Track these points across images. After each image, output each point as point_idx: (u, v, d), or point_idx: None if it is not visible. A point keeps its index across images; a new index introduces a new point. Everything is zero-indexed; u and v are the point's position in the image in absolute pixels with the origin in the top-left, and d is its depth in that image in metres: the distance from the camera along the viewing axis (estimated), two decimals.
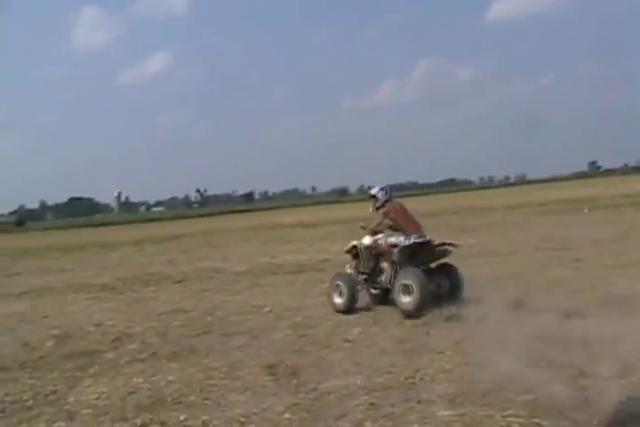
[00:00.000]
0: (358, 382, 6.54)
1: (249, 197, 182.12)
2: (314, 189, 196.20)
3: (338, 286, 10.38)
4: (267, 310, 11.05)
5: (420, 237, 10.02)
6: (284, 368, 7.27)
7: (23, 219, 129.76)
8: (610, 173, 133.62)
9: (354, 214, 48.99)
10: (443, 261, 10.22)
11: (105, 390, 7.02)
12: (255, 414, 5.88)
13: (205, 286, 15.13)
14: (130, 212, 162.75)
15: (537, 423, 5.21)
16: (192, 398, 6.55)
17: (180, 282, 16.33)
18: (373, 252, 10.43)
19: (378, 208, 10.66)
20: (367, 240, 10.53)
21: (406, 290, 9.41)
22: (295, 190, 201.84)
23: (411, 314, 9.25)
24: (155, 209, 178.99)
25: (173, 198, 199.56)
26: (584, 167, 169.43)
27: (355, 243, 10.74)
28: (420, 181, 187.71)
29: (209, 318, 10.78)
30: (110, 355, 8.68)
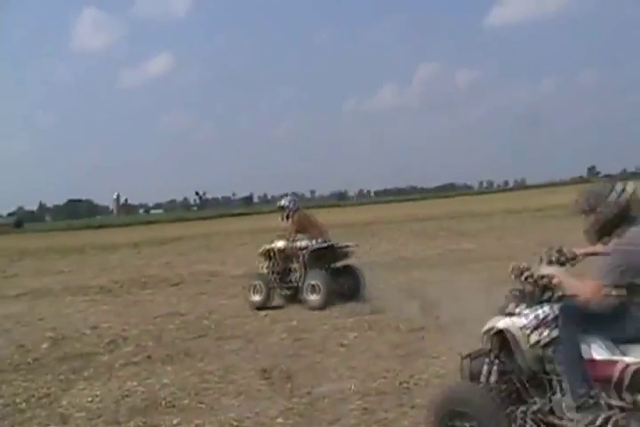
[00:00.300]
0: (352, 386, 6.53)
1: (248, 200, 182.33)
2: (313, 192, 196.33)
3: (254, 285, 11.57)
4: (263, 313, 11.03)
5: (325, 241, 11.52)
6: (278, 372, 7.26)
7: (22, 220, 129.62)
8: (609, 178, 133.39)
9: (352, 218, 49.09)
10: (346, 262, 11.77)
11: (99, 393, 7.00)
12: (248, 418, 5.87)
13: (202, 289, 15.09)
14: (129, 214, 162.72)
15: None
16: (186, 401, 6.54)
17: (176, 285, 16.30)
18: (283, 255, 11.66)
19: (287, 217, 11.89)
20: (279, 244, 11.69)
21: (314, 289, 10.89)
22: (294, 194, 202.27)
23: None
24: (153, 211, 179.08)
25: (172, 201, 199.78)
26: (583, 172, 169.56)
27: (268, 247, 11.88)
28: (420, 186, 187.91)
29: (205, 322, 10.76)
30: (105, 358, 8.67)
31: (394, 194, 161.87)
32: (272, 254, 11.81)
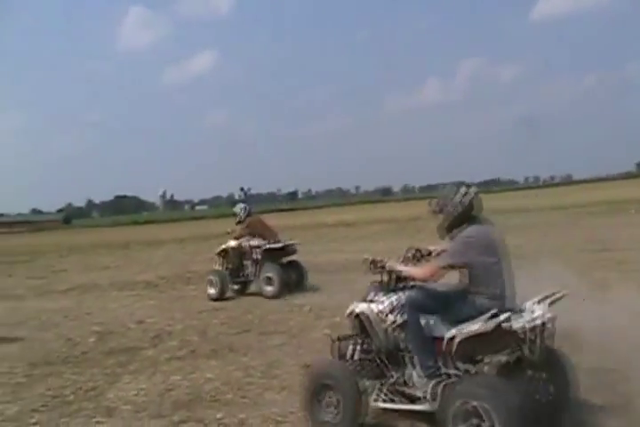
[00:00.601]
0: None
1: (293, 195, 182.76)
2: (357, 188, 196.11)
3: (211, 280, 13.17)
4: (306, 309, 11.06)
5: (276, 242, 13.29)
6: None
7: (70, 216, 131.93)
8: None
9: (397, 214, 48.94)
10: (291, 258, 13.44)
11: (144, 386, 7.11)
12: (291, 413, 5.88)
13: None
14: (174, 210, 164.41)
15: None
16: (229, 396, 6.60)
17: None
18: (237, 253, 13.36)
19: (240, 222, 13.67)
20: (232, 244, 13.44)
21: (269, 281, 12.71)
22: (339, 189, 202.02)
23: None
24: (199, 208, 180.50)
25: (217, 197, 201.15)
26: (631, 167, 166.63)
27: (224, 246, 13.59)
28: (466, 181, 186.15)
29: (248, 317, 10.84)
30: (150, 352, 8.79)
31: (435, 189, 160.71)
32: (227, 253, 13.57)
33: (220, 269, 13.56)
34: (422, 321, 5.00)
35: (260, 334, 9.42)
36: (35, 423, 6.27)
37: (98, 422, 6.16)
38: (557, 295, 5.05)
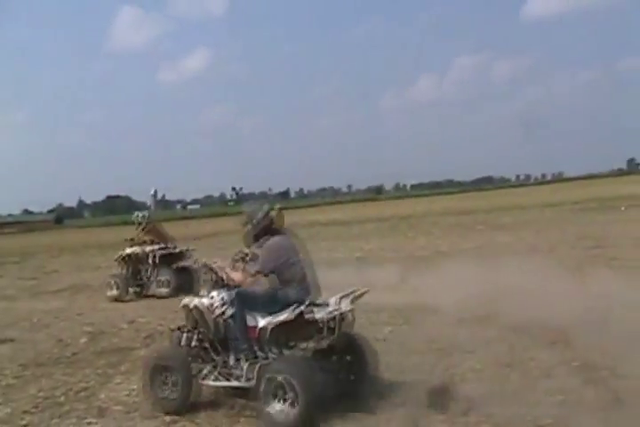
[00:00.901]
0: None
1: (285, 194, 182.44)
2: (349, 187, 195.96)
3: (110, 282, 14.17)
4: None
5: (169, 247, 14.47)
6: None
7: (61, 217, 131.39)
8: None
9: (389, 212, 48.93)
10: (185, 263, 14.46)
11: (135, 387, 7.05)
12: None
13: None
14: (166, 210, 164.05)
15: (568, 424, 5.15)
16: (220, 395, 6.58)
17: None
18: (135, 258, 14.33)
19: (141, 229, 14.61)
20: (129, 250, 14.43)
21: (164, 284, 13.93)
22: (331, 188, 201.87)
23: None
24: (190, 207, 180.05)
25: (209, 196, 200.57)
26: (622, 164, 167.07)
27: (122, 253, 14.54)
28: (457, 179, 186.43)
29: None
30: (142, 352, 8.71)
31: (430, 187, 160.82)
32: (126, 259, 14.51)
33: (120, 272, 14.57)
34: (245, 314, 5.98)
35: None
36: (26, 425, 6.26)
37: (89, 423, 6.15)
38: (359, 292, 5.99)
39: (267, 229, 6.20)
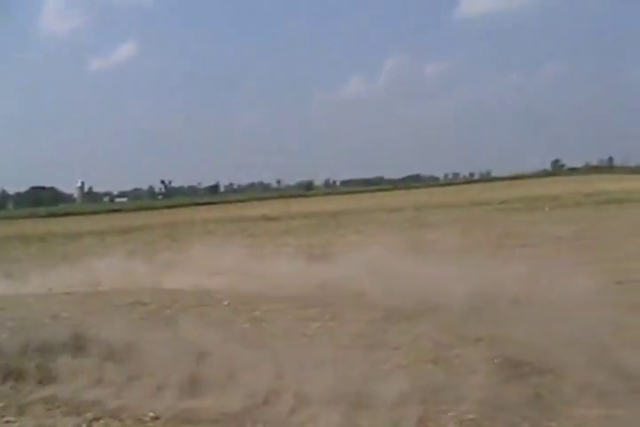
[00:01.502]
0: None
1: (214, 188, 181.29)
2: (279, 182, 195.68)
3: None
4: (225, 303, 10.99)
5: None
6: None
7: None
8: (573, 171, 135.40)
9: (318, 208, 49.06)
10: None
11: None
12: None
13: None
14: (93, 202, 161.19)
15: (491, 420, 5.26)
16: None
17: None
18: None
19: None
20: None
21: None
22: (260, 183, 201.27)
23: None
24: (118, 200, 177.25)
25: (137, 189, 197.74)
26: (548, 165, 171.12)
27: None
28: (387, 176, 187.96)
29: (167, 311, 10.70)
30: None
31: (360, 184, 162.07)
32: None
33: None
34: None
35: None
36: None
37: (7, 422, 6.01)
38: None
39: None
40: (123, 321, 10.10)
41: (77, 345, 7.85)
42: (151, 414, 5.90)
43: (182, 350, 7.36)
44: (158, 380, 6.47)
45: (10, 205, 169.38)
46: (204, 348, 7.39)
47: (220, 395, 6.15)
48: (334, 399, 5.79)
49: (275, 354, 7.51)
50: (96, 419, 5.85)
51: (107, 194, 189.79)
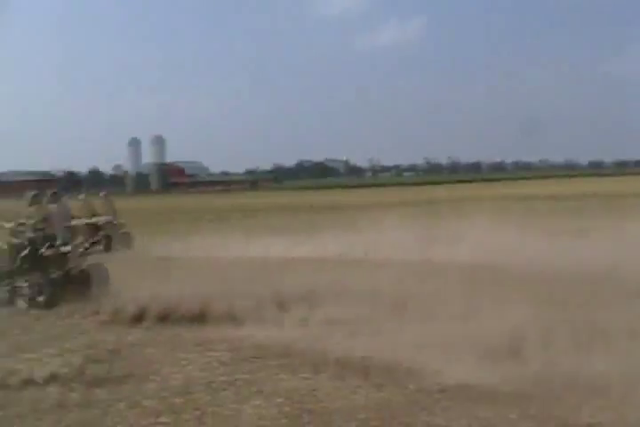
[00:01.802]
0: None
1: (476, 166, 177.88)
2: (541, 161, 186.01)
3: None
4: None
5: None
6: None
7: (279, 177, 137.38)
8: None
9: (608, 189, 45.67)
10: None
11: None
12: None
13: None
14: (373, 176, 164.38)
15: None
16: None
17: None
18: None
19: None
20: None
21: None
22: (526, 163, 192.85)
23: None
24: (406, 174, 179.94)
25: (413, 165, 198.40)
26: None
27: None
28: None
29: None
30: None
31: None
32: None
33: None
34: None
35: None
36: None
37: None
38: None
39: None
40: None
41: None
42: None
43: None
44: None
45: (303, 176, 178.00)
46: None
47: None
48: None
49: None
50: None
51: (394, 167, 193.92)
